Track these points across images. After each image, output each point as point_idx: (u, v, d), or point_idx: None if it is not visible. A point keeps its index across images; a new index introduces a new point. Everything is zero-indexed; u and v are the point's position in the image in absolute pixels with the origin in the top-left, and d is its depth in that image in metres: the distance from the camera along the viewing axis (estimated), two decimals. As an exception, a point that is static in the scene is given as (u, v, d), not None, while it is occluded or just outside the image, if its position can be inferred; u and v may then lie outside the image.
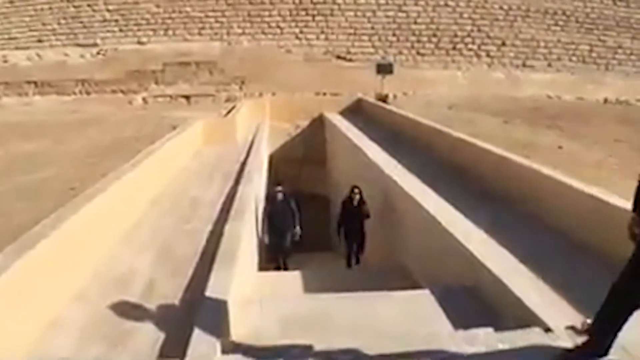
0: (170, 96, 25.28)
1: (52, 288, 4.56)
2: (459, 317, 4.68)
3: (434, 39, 29.85)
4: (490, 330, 4.18)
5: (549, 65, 29.70)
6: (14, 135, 14.34)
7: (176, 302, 4.78)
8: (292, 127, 19.17)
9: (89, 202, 5.75)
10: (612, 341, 3.09)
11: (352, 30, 29.81)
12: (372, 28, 29.90)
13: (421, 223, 6.89)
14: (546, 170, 6.92)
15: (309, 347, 3.97)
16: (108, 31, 29.82)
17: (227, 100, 24.03)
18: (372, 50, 29.42)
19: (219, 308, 4.07)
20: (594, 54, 30.45)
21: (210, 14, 29.88)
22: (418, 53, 29.61)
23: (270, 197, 9.20)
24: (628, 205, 3.24)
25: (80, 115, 19.40)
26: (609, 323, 3.07)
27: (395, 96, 22.89)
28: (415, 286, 6.63)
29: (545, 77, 28.35)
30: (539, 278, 4.93)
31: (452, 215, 6.54)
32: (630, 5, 31.47)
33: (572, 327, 4.04)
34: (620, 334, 3.09)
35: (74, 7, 30.30)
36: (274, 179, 10.98)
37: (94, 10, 30.20)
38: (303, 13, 29.94)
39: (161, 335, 4.19)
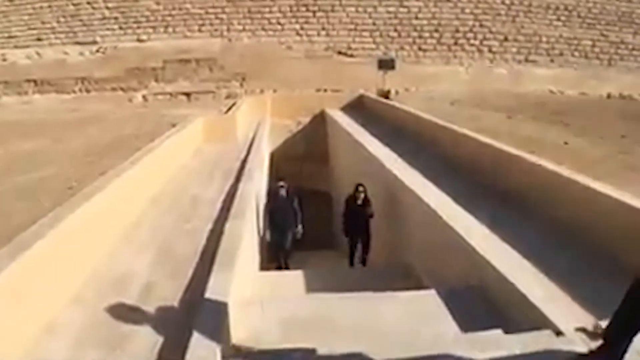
0: (170, 94, 25.17)
1: (49, 290, 4.45)
2: (466, 318, 4.57)
3: (436, 35, 29.66)
4: (498, 332, 4.07)
5: (552, 60, 29.51)
6: (13, 134, 14.24)
7: (175, 304, 4.67)
8: (293, 124, 19.05)
9: (86, 202, 5.64)
10: (627, 346, 2.97)
11: (353, 26, 29.63)
12: (374, 24, 29.71)
13: (424, 220, 6.79)
14: (552, 167, 6.78)
15: (311, 351, 3.86)
16: (107, 29, 29.66)
17: (228, 97, 23.94)
18: (373, 46, 29.24)
19: (219, 310, 3.96)
20: (596, 49, 30.24)
21: (210, 10, 29.72)
22: (420, 49, 29.43)
23: (272, 193, 9.06)
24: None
25: (79, 114, 19.30)
26: (624, 327, 2.95)
27: (397, 92, 22.74)
28: (419, 285, 6.55)
29: (548, 72, 28.16)
30: (546, 277, 4.82)
31: (455, 212, 6.44)
32: (632, 0, 31.26)
33: (583, 329, 3.93)
34: (636, 339, 2.98)
35: (73, 5, 30.14)
36: (275, 176, 10.86)
37: (93, 8, 30.04)
38: (304, 9, 29.76)
39: (160, 339, 4.09)
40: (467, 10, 29.98)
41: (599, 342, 3.31)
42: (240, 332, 4.21)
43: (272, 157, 16.12)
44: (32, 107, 22.45)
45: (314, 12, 29.75)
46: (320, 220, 14.34)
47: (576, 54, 29.96)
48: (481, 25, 29.85)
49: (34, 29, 29.91)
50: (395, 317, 4.57)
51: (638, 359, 3.07)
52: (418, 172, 8.68)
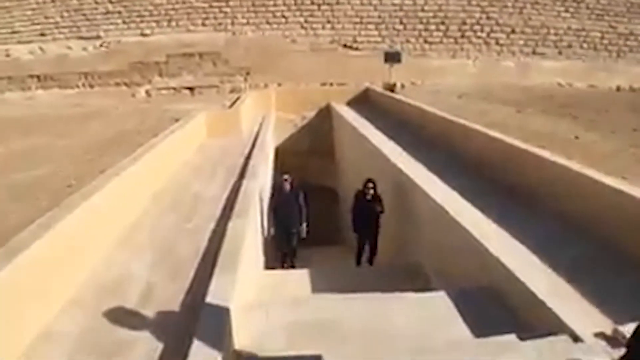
0: (174, 88, 25.03)
1: (45, 293, 4.31)
2: (478, 322, 4.40)
3: (442, 27, 29.34)
4: (512, 337, 3.88)
5: (560, 52, 29.15)
6: (14, 131, 14.12)
7: (175, 308, 4.50)
8: (298, 118, 18.84)
9: (85, 201, 5.48)
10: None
11: (358, 19, 29.35)
12: (379, 16, 29.42)
13: (432, 216, 6.61)
14: (563, 161, 6.58)
15: (317, 358, 3.69)
16: (111, 23, 29.55)
17: (232, 91, 23.79)
18: (379, 39, 28.97)
19: (221, 315, 3.80)
20: (605, 41, 29.84)
21: (214, 4, 29.52)
22: (426, 41, 29.12)
23: (277, 187, 8.82)
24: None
25: (82, 109, 19.20)
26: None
27: (403, 86, 22.49)
28: (427, 284, 6.39)
29: (556, 64, 27.82)
30: (558, 274, 4.66)
31: (464, 208, 6.29)
32: (641, -9, 30.84)
33: (602, 334, 3.76)
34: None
35: (77, -1, 30.09)
36: (280, 172, 10.65)
37: (96, 3, 29.94)
38: (308, 2, 29.50)
39: (159, 346, 3.93)
40: (474, 2, 29.64)
41: (620, 349, 3.13)
42: (243, 338, 4.05)
43: (277, 152, 15.94)
44: (35, 103, 22.38)
45: (319, 4, 29.48)
46: (326, 216, 14.16)
47: (584, 45, 29.58)
48: (488, 18, 29.49)
49: (37, 24, 29.84)
50: (405, 321, 4.39)
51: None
52: (425, 167, 8.49)
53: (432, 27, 29.36)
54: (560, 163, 6.53)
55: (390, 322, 4.40)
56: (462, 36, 29.23)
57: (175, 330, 4.09)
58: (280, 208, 8.48)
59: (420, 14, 29.53)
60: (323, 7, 29.44)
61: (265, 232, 8.40)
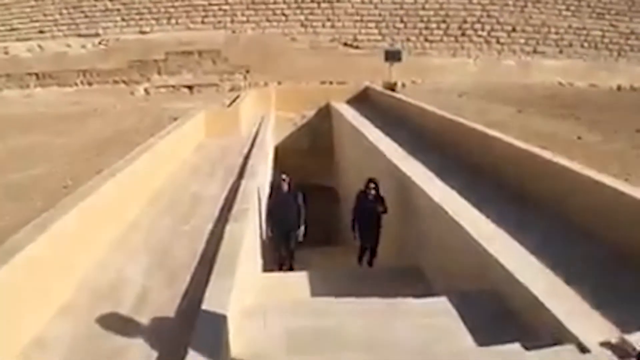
0: (173, 86, 24.90)
1: (38, 298, 4.20)
2: (480, 328, 4.29)
3: (443, 25, 29.23)
4: (517, 346, 3.78)
5: (561, 51, 29.05)
6: (11, 129, 14.00)
7: (171, 314, 4.39)
8: (298, 117, 18.73)
9: (81, 202, 5.37)
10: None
11: (358, 17, 29.24)
12: (379, 14, 29.30)
13: (433, 218, 6.51)
14: (566, 163, 6.47)
15: (316, 368, 3.60)
16: (110, 21, 29.45)
17: (231, 89, 23.68)
18: (379, 37, 28.86)
19: (217, 322, 3.70)
20: (606, 40, 29.74)
21: (214, 1, 29.41)
22: (426, 40, 29.01)
23: (274, 186, 8.66)
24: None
25: (80, 107, 19.09)
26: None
27: (403, 84, 22.37)
28: (429, 287, 6.29)
29: (557, 63, 27.72)
30: (560, 278, 4.56)
31: (465, 209, 6.18)
32: (643, -10, 30.72)
33: (608, 343, 3.66)
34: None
35: (76, -4, 29.94)
36: (279, 171, 10.52)
37: (95, 0, 29.78)
38: (308, 0, 29.35)
39: (154, 354, 3.83)
40: (475, 1, 29.54)
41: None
42: (240, 346, 3.95)
43: (277, 151, 15.84)
44: (34, 101, 22.27)
45: (319, 2, 29.36)
46: (326, 216, 14.06)
47: (585, 44, 29.48)
48: (489, 16, 29.37)
49: (36, 21, 29.71)
50: (407, 329, 4.28)
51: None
52: (426, 168, 8.38)
53: (433, 25, 29.25)
54: (561, 164, 6.44)
55: (391, 330, 4.30)
56: (463, 35, 29.12)
57: (170, 337, 4.00)
58: (278, 209, 8.30)
59: (421, 12, 29.41)
60: (323, 5, 29.31)
61: (264, 234, 8.27)
